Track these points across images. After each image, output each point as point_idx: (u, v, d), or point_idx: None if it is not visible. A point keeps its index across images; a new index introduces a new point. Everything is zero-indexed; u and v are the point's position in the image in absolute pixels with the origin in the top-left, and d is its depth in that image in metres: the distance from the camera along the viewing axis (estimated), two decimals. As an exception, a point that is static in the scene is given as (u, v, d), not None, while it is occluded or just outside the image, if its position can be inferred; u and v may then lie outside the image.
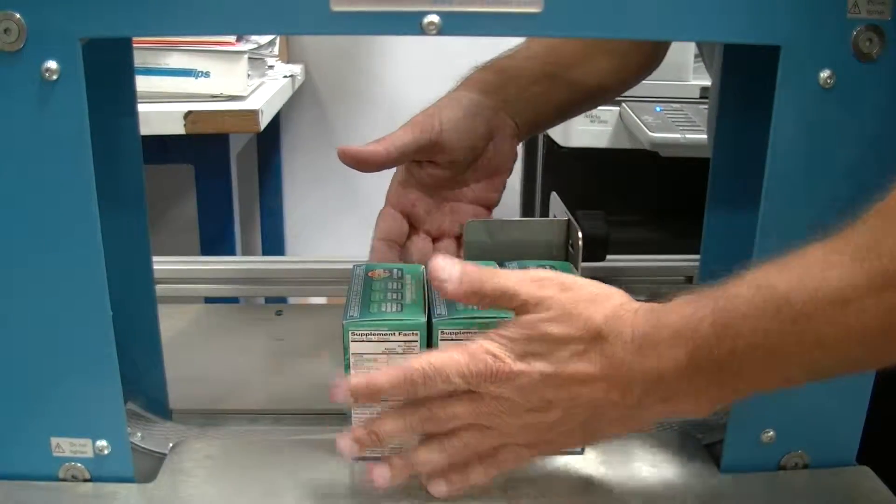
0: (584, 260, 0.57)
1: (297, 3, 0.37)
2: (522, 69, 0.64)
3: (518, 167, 1.87)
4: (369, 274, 0.51)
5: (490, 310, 0.46)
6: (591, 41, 0.66)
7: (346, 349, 0.45)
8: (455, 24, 0.38)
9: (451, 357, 0.41)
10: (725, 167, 0.50)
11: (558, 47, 0.65)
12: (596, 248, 0.57)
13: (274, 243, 2.02)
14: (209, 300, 0.82)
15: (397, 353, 0.45)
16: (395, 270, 0.52)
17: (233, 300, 0.90)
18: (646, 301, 0.42)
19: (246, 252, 1.86)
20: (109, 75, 0.46)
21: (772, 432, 0.47)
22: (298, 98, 1.91)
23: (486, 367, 0.41)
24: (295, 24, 0.38)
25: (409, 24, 0.38)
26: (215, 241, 1.35)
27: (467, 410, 0.42)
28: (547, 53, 0.65)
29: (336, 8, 0.37)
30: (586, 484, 0.47)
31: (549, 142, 1.42)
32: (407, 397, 0.43)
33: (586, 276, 0.53)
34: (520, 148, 1.51)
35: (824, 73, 0.40)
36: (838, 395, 0.47)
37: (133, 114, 0.48)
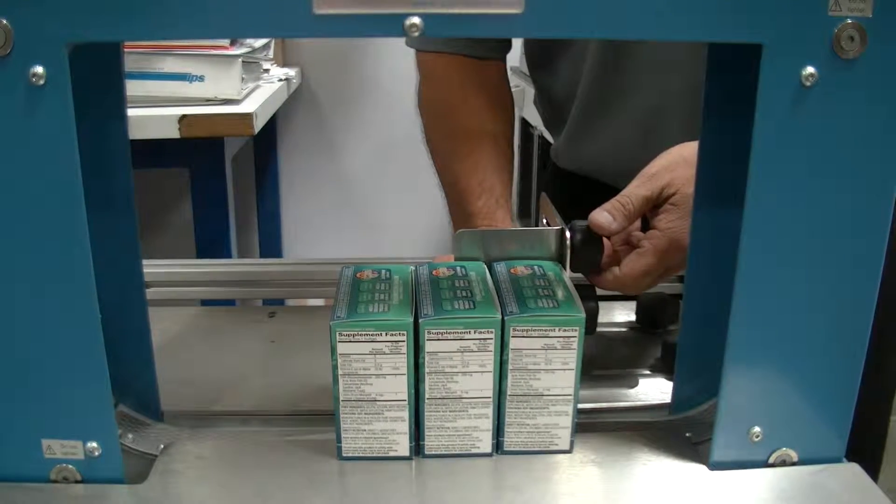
0: (579, 269, 0.58)
1: (279, 5, 0.38)
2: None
3: (514, 168, 1.88)
4: (357, 275, 0.51)
5: (477, 310, 0.47)
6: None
7: (333, 350, 0.46)
8: (437, 26, 0.38)
9: (675, 259, 0.59)
10: (711, 166, 0.50)
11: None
12: (591, 261, 0.59)
13: (271, 246, 2.02)
14: (205, 303, 0.82)
15: (384, 354, 0.46)
16: (382, 271, 0.52)
17: (229, 303, 0.90)
18: None
19: (243, 255, 1.86)
20: (98, 79, 0.47)
21: (760, 430, 0.47)
22: (295, 101, 1.92)
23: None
24: (277, 27, 0.39)
25: (392, 25, 0.38)
26: (211, 244, 1.36)
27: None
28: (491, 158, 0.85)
29: (318, 10, 0.37)
30: (576, 482, 0.47)
31: (545, 143, 1.43)
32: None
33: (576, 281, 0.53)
34: (515, 149, 1.51)
35: (806, 72, 0.40)
36: (826, 393, 0.47)
37: (122, 117, 0.48)
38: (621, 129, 0.84)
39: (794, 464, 0.48)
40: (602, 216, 0.59)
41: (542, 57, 0.91)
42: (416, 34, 0.38)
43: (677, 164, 0.61)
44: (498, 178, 0.85)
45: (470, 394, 0.48)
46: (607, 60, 0.82)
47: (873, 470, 0.82)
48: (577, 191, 0.91)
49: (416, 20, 0.38)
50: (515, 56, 0.94)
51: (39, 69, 0.38)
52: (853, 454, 0.49)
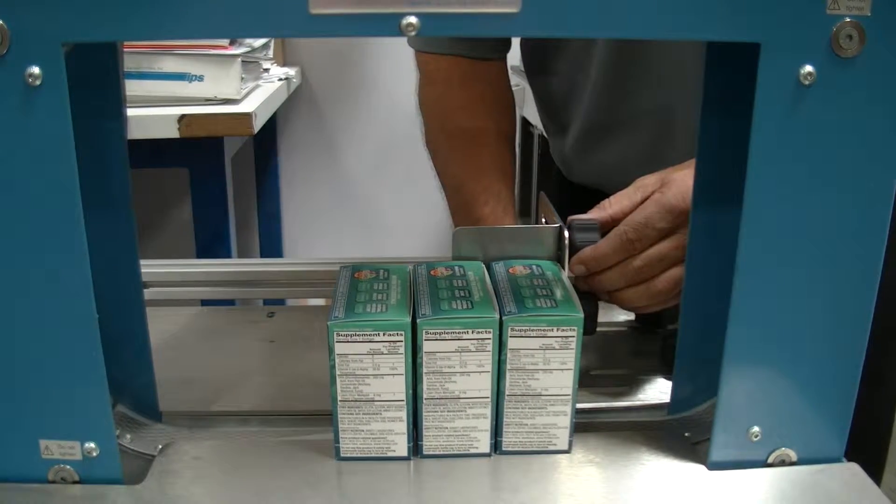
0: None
1: (275, 5, 0.38)
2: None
3: (515, 166, 1.87)
4: (355, 275, 0.51)
5: (475, 309, 0.47)
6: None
7: (330, 350, 0.46)
8: (433, 25, 0.38)
9: (649, 210, 0.56)
10: (710, 166, 0.50)
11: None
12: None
13: (271, 246, 2.02)
14: (205, 303, 0.82)
15: (382, 354, 0.46)
16: (381, 271, 0.52)
17: (229, 303, 0.90)
18: None
19: (243, 255, 1.86)
20: (95, 78, 0.47)
21: (759, 429, 0.47)
22: (294, 100, 1.92)
23: (687, 200, 0.54)
24: (274, 27, 0.39)
25: (388, 25, 0.38)
26: (211, 244, 1.36)
27: (674, 245, 0.56)
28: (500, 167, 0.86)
29: (314, 10, 0.37)
30: (574, 482, 0.47)
31: (544, 142, 1.43)
32: (625, 255, 0.57)
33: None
34: (516, 147, 1.50)
35: (804, 70, 0.40)
36: (825, 392, 0.47)
37: (119, 116, 0.48)
38: (631, 140, 0.83)
39: (793, 463, 0.48)
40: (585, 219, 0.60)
41: (536, 62, 0.90)
42: (413, 34, 0.38)
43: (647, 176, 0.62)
44: (504, 182, 0.85)
45: (468, 394, 0.48)
46: (612, 71, 0.81)
47: (876, 470, 0.81)
48: (583, 199, 0.89)
49: (412, 20, 0.38)
50: (516, 55, 0.94)
51: (36, 69, 0.38)
52: (856, 454, 0.49)
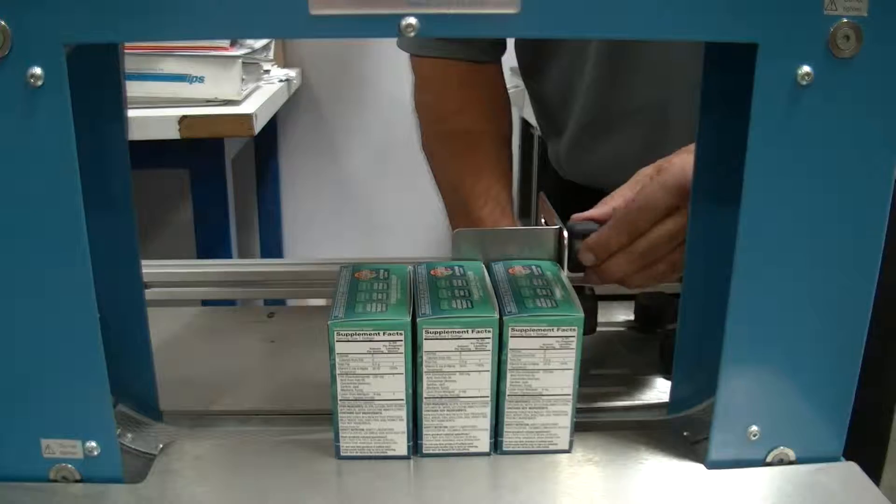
0: (577, 269, 0.58)
1: (276, 6, 0.38)
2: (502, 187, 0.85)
3: (514, 167, 1.88)
4: (355, 275, 0.51)
5: (475, 309, 0.47)
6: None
7: (331, 349, 0.46)
8: (433, 26, 0.38)
9: (648, 189, 0.56)
10: (709, 165, 0.50)
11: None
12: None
13: (272, 247, 2.03)
14: (206, 303, 0.83)
15: (382, 353, 0.46)
16: (381, 271, 0.52)
17: (230, 303, 0.90)
18: None
19: (243, 255, 1.87)
20: (97, 79, 0.47)
21: (757, 428, 0.47)
22: (295, 102, 1.92)
23: (686, 178, 0.53)
24: (274, 28, 0.39)
25: (388, 26, 0.38)
26: (211, 245, 1.36)
27: (677, 224, 0.55)
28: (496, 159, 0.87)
29: (315, 11, 0.37)
30: (574, 481, 0.47)
31: (544, 143, 1.42)
32: (630, 235, 0.56)
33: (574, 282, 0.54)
34: (516, 148, 1.51)
35: (801, 71, 0.40)
36: (823, 391, 0.47)
37: (121, 118, 0.49)
38: (627, 138, 0.83)
39: (791, 463, 0.48)
40: (586, 223, 0.61)
41: (532, 63, 0.90)
42: (412, 34, 0.38)
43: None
44: (502, 184, 0.85)
45: (468, 393, 0.48)
46: (607, 68, 0.81)
47: (876, 469, 0.81)
48: (581, 199, 0.90)
49: (412, 20, 0.38)
50: (515, 56, 0.94)
51: (37, 70, 0.39)
52: (855, 453, 0.49)
